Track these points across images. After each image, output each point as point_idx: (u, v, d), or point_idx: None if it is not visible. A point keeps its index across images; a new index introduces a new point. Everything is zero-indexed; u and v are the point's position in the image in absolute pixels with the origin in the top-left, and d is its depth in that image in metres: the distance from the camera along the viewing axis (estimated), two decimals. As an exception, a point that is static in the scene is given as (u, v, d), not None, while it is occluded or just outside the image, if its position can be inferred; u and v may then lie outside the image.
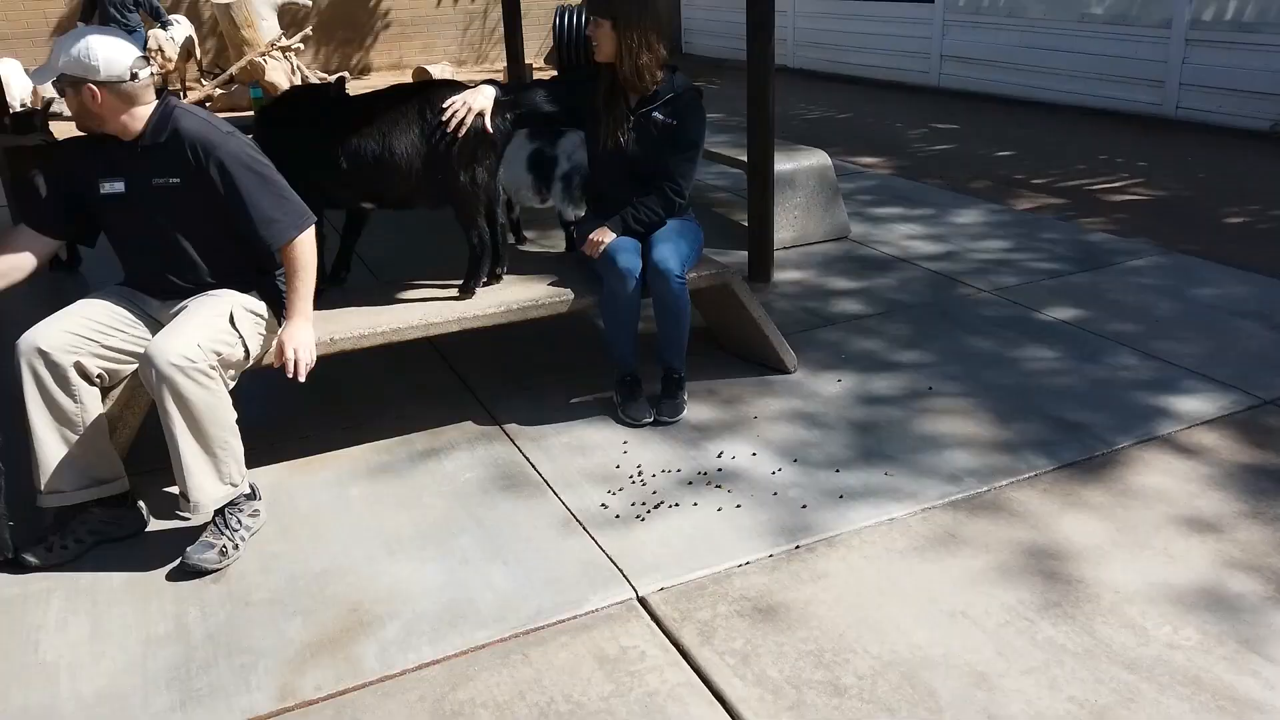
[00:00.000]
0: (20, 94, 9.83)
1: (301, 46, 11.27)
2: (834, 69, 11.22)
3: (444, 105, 3.09)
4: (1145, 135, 7.55)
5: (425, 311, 3.14)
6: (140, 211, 2.60)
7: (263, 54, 10.57)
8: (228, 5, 10.54)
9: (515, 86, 3.29)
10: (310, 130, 3.18)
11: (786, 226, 5.01)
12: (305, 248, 2.67)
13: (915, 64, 10.22)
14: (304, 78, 11.08)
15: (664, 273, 3.13)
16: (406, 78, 13.11)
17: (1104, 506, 2.70)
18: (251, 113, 7.33)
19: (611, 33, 3.17)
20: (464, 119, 3.07)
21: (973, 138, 7.88)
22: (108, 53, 2.41)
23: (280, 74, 10.66)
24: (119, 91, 2.46)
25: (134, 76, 2.46)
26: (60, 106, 10.40)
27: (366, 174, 3.14)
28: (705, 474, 2.93)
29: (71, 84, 2.44)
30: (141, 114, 2.53)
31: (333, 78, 12.50)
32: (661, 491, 2.84)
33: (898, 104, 9.59)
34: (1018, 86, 9.14)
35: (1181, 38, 7.59)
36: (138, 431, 2.82)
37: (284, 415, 3.40)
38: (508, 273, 3.41)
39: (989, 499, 2.76)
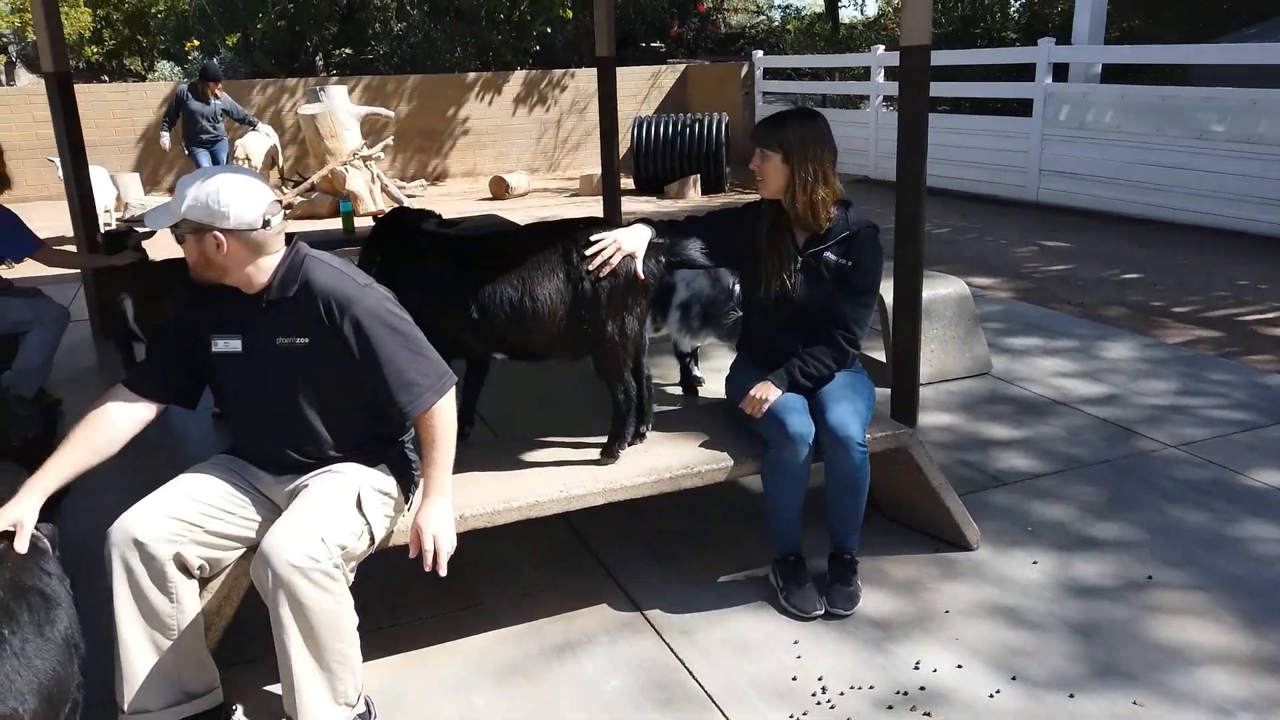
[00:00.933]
0: (104, 201, 9.87)
1: (382, 155, 11.29)
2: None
3: (593, 246, 2.72)
4: (1282, 258, 7.04)
5: (565, 480, 2.71)
6: (258, 374, 2.23)
7: (344, 163, 10.56)
8: (313, 116, 10.60)
9: (669, 226, 2.92)
10: (438, 273, 2.83)
11: (924, 361, 4.54)
12: (445, 414, 2.27)
13: (1012, 178, 9.86)
14: (383, 185, 11.06)
15: (844, 440, 2.67)
16: (481, 185, 13.10)
17: None
18: (340, 224, 7.14)
19: (783, 166, 2.80)
20: (615, 260, 2.71)
21: (1089, 258, 7.43)
22: (239, 198, 2.08)
23: (360, 182, 10.64)
24: (248, 240, 2.11)
25: (266, 224, 2.12)
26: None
27: (502, 323, 2.77)
28: (905, 693, 2.41)
29: (194, 230, 2.10)
30: (268, 264, 2.18)
31: (411, 185, 12.52)
32: (857, 719, 2.33)
33: (996, 218, 9.20)
34: (1127, 203, 8.71)
35: (1318, 157, 7.13)
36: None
37: (396, 592, 2.93)
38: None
39: (1280, 746, 2.20)
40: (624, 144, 12.60)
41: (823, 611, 2.75)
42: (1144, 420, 4.06)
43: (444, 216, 3.23)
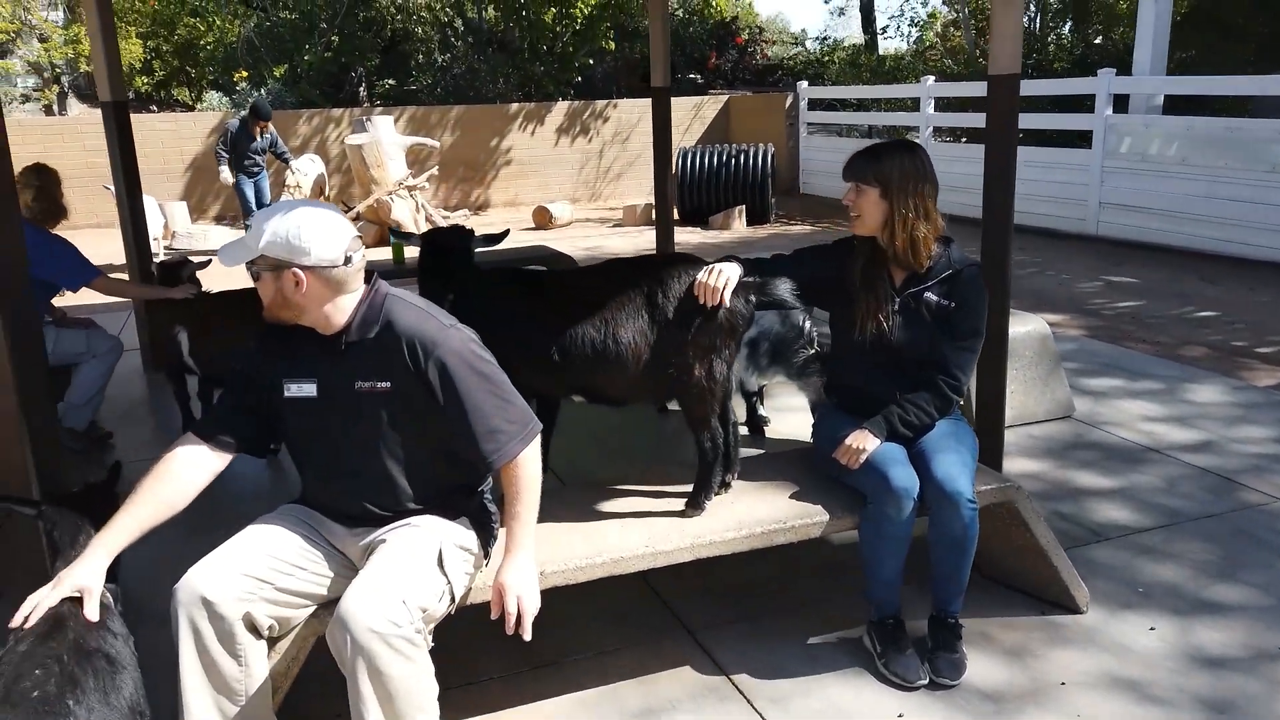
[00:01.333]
0: (152, 230, 9.90)
1: (426, 185, 11.27)
2: (973, 214, 10.66)
3: (687, 285, 2.57)
4: (1364, 296, 6.74)
5: (649, 534, 2.53)
6: (334, 420, 2.08)
7: (390, 193, 10.55)
8: (360, 146, 10.61)
9: (757, 264, 2.75)
10: (516, 312, 2.68)
11: (1003, 404, 4.33)
12: (530, 464, 2.12)
13: (1070, 211, 9.61)
14: (427, 215, 11.03)
15: (952, 495, 2.48)
16: (524, 214, 13.05)
17: None
18: (389, 254, 7.05)
19: (880, 201, 2.63)
20: (710, 301, 2.54)
21: (1158, 294, 7.17)
22: (321, 234, 1.94)
23: (405, 212, 10.61)
24: (328, 278, 1.97)
25: (348, 261, 1.98)
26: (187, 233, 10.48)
27: (580, 365, 2.61)
28: (1028, 777, 2.20)
29: (272, 267, 1.97)
30: (347, 304, 2.04)
31: (454, 214, 12.50)
32: (979, 806, 2.12)
33: (1055, 252, 8.96)
34: (1192, 238, 8.44)
35: (1401, 190, 6.85)
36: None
37: (465, 647, 2.74)
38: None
39: None
40: (668, 175, 12.49)
41: (926, 680, 2.54)
42: (1246, 470, 3.82)
43: (477, 232, 3.07)
